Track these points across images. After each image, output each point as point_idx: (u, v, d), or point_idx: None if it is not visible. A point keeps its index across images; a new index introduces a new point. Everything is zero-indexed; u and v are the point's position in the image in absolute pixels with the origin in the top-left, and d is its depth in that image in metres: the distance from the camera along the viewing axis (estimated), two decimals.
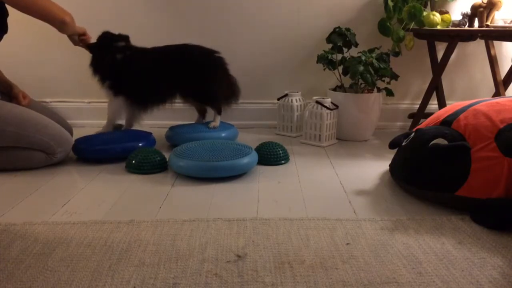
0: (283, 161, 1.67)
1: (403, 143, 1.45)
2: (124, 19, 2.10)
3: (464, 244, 1.04)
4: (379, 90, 2.00)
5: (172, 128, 1.89)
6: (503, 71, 2.09)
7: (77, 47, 1.77)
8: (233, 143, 1.64)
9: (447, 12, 1.98)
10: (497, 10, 1.91)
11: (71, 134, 1.73)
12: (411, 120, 2.12)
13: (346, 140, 2.01)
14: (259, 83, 2.21)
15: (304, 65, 2.20)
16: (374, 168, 1.62)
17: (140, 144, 1.68)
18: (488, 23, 1.89)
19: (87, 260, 0.96)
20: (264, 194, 1.36)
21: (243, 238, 1.06)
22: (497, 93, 1.99)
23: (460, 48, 2.15)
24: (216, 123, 1.89)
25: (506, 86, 2.03)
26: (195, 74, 1.81)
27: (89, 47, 1.78)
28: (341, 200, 1.32)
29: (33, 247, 1.01)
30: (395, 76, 1.95)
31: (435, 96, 2.10)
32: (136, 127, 1.95)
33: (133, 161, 1.55)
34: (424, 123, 1.50)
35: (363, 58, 1.88)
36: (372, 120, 2.00)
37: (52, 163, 1.59)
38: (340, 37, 1.97)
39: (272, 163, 1.65)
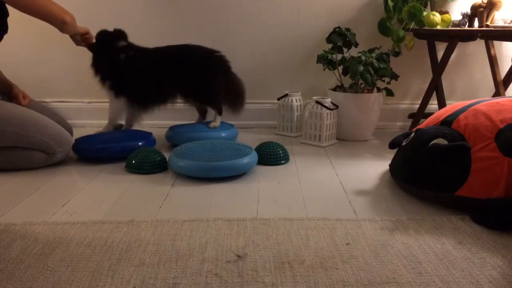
0: (283, 161, 1.67)
1: (403, 143, 1.45)
2: (124, 19, 2.10)
3: (464, 244, 1.04)
4: (379, 90, 2.00)
5: (172, 128, 1.89)
6: (503, 71, 2.09)
7: (77, 47, 1.76)
8: (233, 143, 1.64)
9: (447, 12, 1.98)
10: (497, 10, 1.91)
11: (71, 134, 1.73)
12: (411, 120, 2.12)
13: (346, 140, 2.01)
14: (259, 83, 2.22)
15: (304, 65, 2.20)
16: (374, 168, 1.62)
17: (140, 144, 1.68)
18: (488, 23, 1.89)
19: (87, 260, 0.96)
20: (264, 194, 1.36)
21: (243, 238, 1.06)
22: (497, 93, 1.99)
23: (460, 48, 2.15)
24: (217, 123, 1.89)
25: (506, 86, 2.03)
26: (196, 74, 1.81)
27: (90, 47, 1.78)
28: (341, 200, 1.32)
29: (33, 247, 1.01)
30: (395, 76, 1.95)
31: (435, 96, 2.10)
32: (136, 127, 1.95)
33: (133, 161, 1.55)
34: (424, 123, 1.50)
35: (363, 58, 1.88)
36: (372, 120, 2.00)
37: (52, 163, 1.59)
38: (340, 37, 1.97)
39: (272, 163, 1.65)
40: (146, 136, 1.76)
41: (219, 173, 1.47)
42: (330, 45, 2.01)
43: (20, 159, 1.54)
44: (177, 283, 0.88)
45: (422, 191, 1.30)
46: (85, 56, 1.83)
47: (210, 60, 1.86)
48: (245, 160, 1.50)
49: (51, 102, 2.22)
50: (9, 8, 1.58)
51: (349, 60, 1.93)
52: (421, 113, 2.04)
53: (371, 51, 1.96)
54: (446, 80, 2.19)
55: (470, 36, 1.87)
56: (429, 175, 1.27)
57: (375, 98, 1.97)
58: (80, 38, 1.71)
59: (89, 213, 1.21)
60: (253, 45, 2.18)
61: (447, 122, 1.35)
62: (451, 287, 0.87)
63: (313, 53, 2.11)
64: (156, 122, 2.15)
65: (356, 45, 2.00)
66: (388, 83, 1.99)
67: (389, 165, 1.53)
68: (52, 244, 1.02)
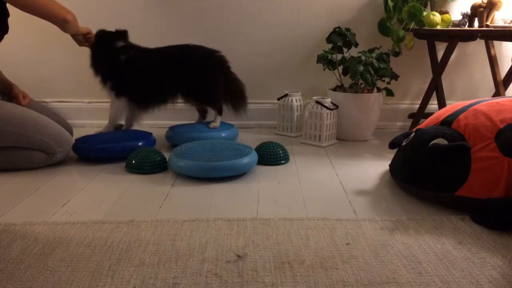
0: (283, 161, 1.67)
1: (403, 143, 1.45)
2: (124, 19, 2.10)
3: (464, 244, 1.04)
4: (379, 90, 2.00)
5: (172, 128, 1.89)
6: (503, 71, 2.09)
7: (77, 47, 1.76)
8: (233, 143, 1.64)
9: (447, 12, 1.98)
10: (497, 10, 1.91)
11: (71, 134, 1.73)
12: (411, 120, 2.12)
13: (346, 140, 2.01)
14: (259, 83, 2.21)
15: (304, 65, 2.20)
16: (374, 168, 1.62)
17: (140, 144, 1.68)
18: (488, 23, 1.89)
19: (87, 260, 0.96)
20: (264, 194, 1.36)
21: (243, 238, 1.06)
22: (497, 93, 1.99)
23: (460, 48, 2.15)
24: (217, 123, 1.89)
25: (506, 86, 2.03)
26: (196, 75, 1.81)
27: (91, 47, 1.78)
28: (341, 200, 1.32)
29: (33, 247, 1.01)
30: (395, 76, 1.95)
31: (435, 96, 2.10)
32: (136, 127, 1.95)
33: (133, 161, 1.55)
34: (424, 123, 1.50)
35: (363, 58, 1.88)
36: (372, 120, 2.00)
37: (52, 163, 1.59)
38: (340, 37, 1.97)
39: (272, 163, 1.65)
40: (146, 136, 1.76)
41: (219, 173, 1.47)
42: (330, 45, 2.01)
43: (20, 159, 1.54)
44: (177, 283, 0.88)
45: (422, 191, 1.30)
46: (85, 56, 1.83)
47: (210, 60, 1.86)
48: (245, 160, 1.50)
49: (51, 102, 2.22)
50: (10, 8, 1.58)
51: (349, 60, 1.93)
52: (421, 113, 2.04)
53: (371, 51, 1.96)
54: (446, 80, 2.19)
55: (470, 36, 1.87)
56: (429, 175, 1.27)
57: (375, 98, 1.97)
58: (83, 38, 1.71)
59: (89, 213, 1.21)
60: (253, 45, 2.18)
61: (447, 122, 1.35)
62: (451, 287, 0.87)
63: (313, 53, 2.11)
64: (156, 122, 2.15)
65: (356, 45, 2.00)
66: (388, 83, 1.99)
67: (389, 165, 1.53)
68: (52, 244, 1.02)
